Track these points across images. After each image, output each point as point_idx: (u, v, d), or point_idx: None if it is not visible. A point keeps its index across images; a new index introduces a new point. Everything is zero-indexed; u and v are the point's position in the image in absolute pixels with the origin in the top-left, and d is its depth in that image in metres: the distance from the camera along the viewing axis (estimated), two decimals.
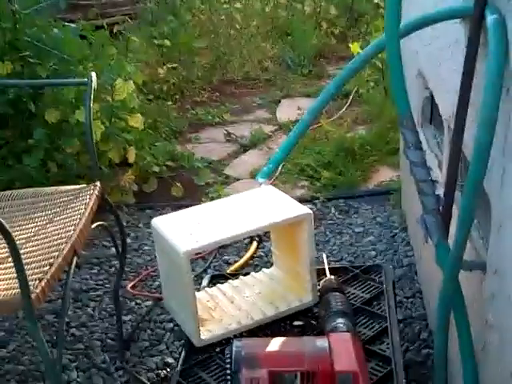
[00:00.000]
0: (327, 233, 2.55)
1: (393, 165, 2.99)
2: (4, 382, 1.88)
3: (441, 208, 1.21)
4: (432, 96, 1.85)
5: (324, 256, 1.72)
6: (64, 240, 1.56)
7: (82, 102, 2.66)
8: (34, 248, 1.57)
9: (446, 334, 1.21)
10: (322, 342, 1.27)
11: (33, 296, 1.34)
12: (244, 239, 2.52)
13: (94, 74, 1.86)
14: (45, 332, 1.99)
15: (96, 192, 1.77)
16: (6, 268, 1.51)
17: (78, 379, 1.87)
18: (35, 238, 1.63)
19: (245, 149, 3.48)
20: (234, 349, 1.27)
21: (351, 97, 3.89)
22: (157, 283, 2.30)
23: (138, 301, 2.23)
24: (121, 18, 4.59)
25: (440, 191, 1.24)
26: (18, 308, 1.38)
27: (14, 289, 1.38)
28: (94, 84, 1.86)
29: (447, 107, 1.48)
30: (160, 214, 1.65)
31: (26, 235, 1.65)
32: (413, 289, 2.11)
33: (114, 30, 4.22)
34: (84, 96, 1.88)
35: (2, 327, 2.12)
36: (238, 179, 3.14)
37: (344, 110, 3.76)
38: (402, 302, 2.05)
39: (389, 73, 1.22)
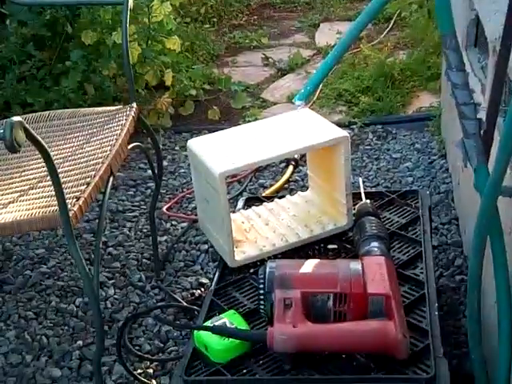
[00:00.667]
0: (364, 158, 2.53)
1: (433, 91, 2.92)
2: (44, 296, 1.94)
3: (482, 132, 1.18)
4: (478, 17, 1.79)
5: (360, 180, 1.71)
6: (101, 160, 1.57)
7: (119, 24, 2.65)
8: (72, 167, 1.59)
9: (481, 259, 1.20)
10: (355, 265, 1.27)
11: (70, 214, 1.36)
12: (280, 163, 2.52)
13: None
14: (83, 250, 2.05)
15: (132, 113, 1.77)
16: (44, 186, 1.54)
17: (115, 296, 1.93)
18: (72, 157, 1.64)
19: (282, 73, 3.43)
20: (267, 269, 1.28)
21: (393, 20, 3.79)
22: (192, 205, 2.32)
23: (174, 222, 2.27)
24: None
25: (481, 115, 1.21)
26: (56, 225, 1.41)
27: (52, 206, 1.40)
28: (131, 4, 1.83)
29: (494, 29, 1.43)
30: (196, 137, 1.65)
31: (63, 155, 1.67)
32: (449, 215, 2.10)
33: None
34: (121, 17, 1.85)
35: (43, 245, 2.18)
36: (275, 103, 3.11)
37: (385, 34, 3.67)
38: (437, 228, 2.04)
39: None
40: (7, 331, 1.83)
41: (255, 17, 4.26)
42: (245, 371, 1.22)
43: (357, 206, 1.58)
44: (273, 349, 1.19)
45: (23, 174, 1.64)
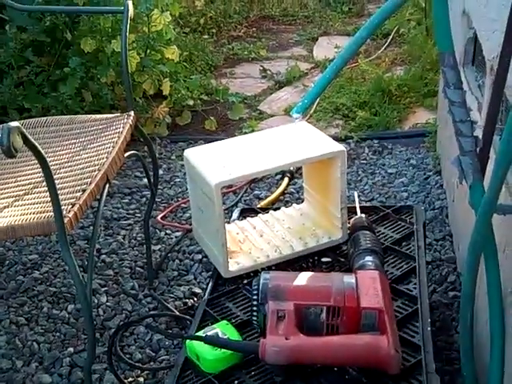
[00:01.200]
0: (360, 172, 2.53)
1: (430, 107, 2.94)
2: (36, 302, 1.94)
3: (478, 150, 1.19)
4: (476, 36, 1.80)
5: (355, 194, 1.71)
6: (97, 167, 1.57)
7: (118, 32, 2.65)
8: (68, 174, 1.59)
9: (475, 276, 1.20)
10: (349, 279, 1.28)
11: (65, 220, 1.36)
12: (275, 175, 2.52)
13: (130, 3, 1.83)
14: (77, 257, 2.04)
15: (130, 121, 1.77)
16: (40, 192, 1.54)
17: (108, 303, 1.92)
18: (69, 164, 1.64)
19: (280, 85, 3.44)
20: (261, 281, 1.28)
21: (391, 36, 3.81)
22: (187, 215, 2.32)
23: (168, 231, 2.26)
24: None
25: (478, 133, 1.21)
26: (51, 231, 1.40)
27: (47, 212, 1.40)
28: (131, 13, 1.83)
29: (491, 48, 1.44)
30: (193, 147, 1.65)
31: (59, 161, 1.67)
32: (443, 231, 2.10)
33: None
34: (120, 26, 1.86)
35: (36, 250, 2.17)
36: (272, 115, 3.12)
37: (383, 49, 3.69)
38: (431, 244, 2.04)
39: (433, 8, 1.18)
40: None
41: (254, 29, 4.28)
42: (236, 382, 1.22)
43: (351, 220, 1.58)
44: (265, 360, 1.19)
45: (18, 179, 1.64)
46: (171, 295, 1.94)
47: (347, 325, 1.22)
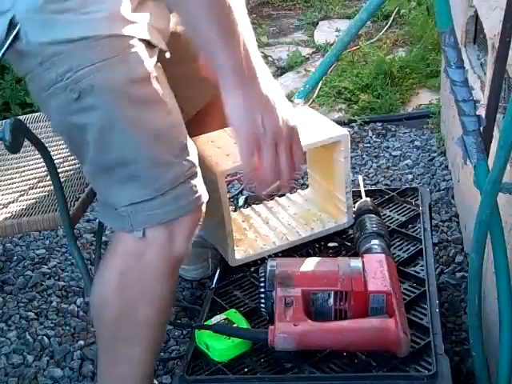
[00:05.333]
0: (364, 156, 2.52)
1: (433, 88, 2.92)
2: (45, 297, 1.94)
3: (481, 129, 1.18)
4: (476, 14, 1.79)
5: (360, 178, 1.71)
6: None
7: None
8: (71, 167, 1.59)
9: (482, 256, 1.20)
10: (355, 263, 1.28)
11: (70, 213, 1.37)
12: None
13: None
14: (84, 250, 2.05)
15: None
16: (45, 186, 1.54)
17: None
18: (71, 157, 1.64)
19: (282, 71, 3.43)
20: (268, 268, 1.28)
21: (392, 18, 3.78)
22: None
23: None
24: None
25: (481, 112, 1.21)
26: (56, 225, 1.41)
27: (53, 206, 1.40)
28: None
29: (493, 25, 1.43)
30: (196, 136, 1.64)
31: (63, 155, 1.67)
32: (449, 213, 2.09)
33: None
34: None
35: (43, 245, 2.18)
36: None
37: (384, 31, 3.67)
38: (437, 225, 2.03)
39: None
40: (8, 332, 1.82)
41: (254, 15, 4.25)
42: (246, 370, 1.22)
43: (357, 204, 1.58)
44: (274, 347, 1.19)
45: (23, 174, 1.65)
46: (179, 285, 1.94)
47: (355, 309, 1.22)
